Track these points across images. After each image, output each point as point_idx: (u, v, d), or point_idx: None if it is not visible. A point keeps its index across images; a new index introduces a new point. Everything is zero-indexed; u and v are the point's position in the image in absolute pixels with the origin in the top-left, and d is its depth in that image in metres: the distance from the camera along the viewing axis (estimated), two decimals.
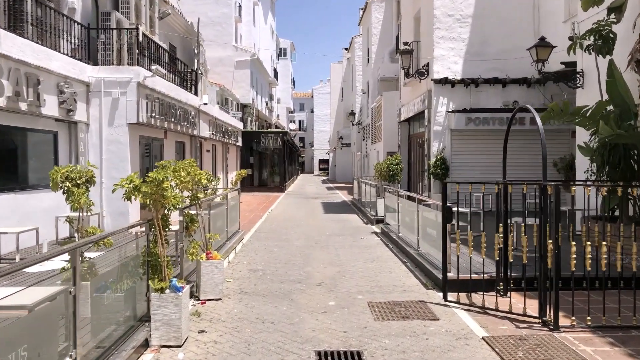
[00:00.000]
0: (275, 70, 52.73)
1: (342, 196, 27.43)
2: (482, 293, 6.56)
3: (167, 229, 5.51)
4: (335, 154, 54.64)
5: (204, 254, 6.78)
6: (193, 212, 7.00)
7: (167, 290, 5.13)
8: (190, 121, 16.31)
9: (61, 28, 11.27)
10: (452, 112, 16.05)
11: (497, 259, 6.56)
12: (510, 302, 6.04)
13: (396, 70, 28.38)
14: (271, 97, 48.65)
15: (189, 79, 18.47)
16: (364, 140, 35.82)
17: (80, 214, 5.53)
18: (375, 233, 13.12)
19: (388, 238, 11.87)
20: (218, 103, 28.83)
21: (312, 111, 78.42)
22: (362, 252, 10.32)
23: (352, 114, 39.39)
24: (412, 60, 17.39)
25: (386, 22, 31.29)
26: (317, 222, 15.70)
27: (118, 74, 11.94)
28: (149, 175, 5.00)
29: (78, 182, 5.46)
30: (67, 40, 11.48)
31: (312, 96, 77.49)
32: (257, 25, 43.85)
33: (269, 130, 38.94)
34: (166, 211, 5.41)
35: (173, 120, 14.42)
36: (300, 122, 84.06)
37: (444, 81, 16.05)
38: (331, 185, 41.02)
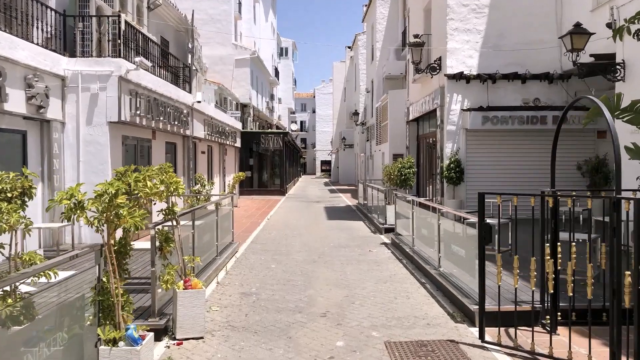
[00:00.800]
0: (276, 69, 51.44)
1: (346, 200, 26.11)
2: (530, 329, 5.24)
3: (126, 257, 4.22)
4: (337, 155, 53.31)
5: (182, 281, 5.47)
6: (176, 222, 5.70)
7: (122, 343, 3.83)
8: (182, 120, 15.01)
9: (33, 15, 9.99)
10: (467, 110, 14.72)
11: (552, 291, 5.25)
12: (570, 348, 4.71)
13: (402, 68, 27.11)
14: (272, 97, 47.38)
15: (181, 75, 17.19)
16: (368, 141, 34.50)
17: (13, 238, 4.23)
18: (385, 244, 11.80)
19: (400, 251, 10.54)
20: (217, 102, 27.58)
21: (314, 112, 77.10)
22: (373, 269, 8.99)
23: (356, 113, 38.06)
24: (422, 55, 16.06)
25: (392, 17, 30.01)
26: (320, 230, 14.38)
27: (97, 67, 10.65)
28: (96, 188, 3.70)
29: (9, 195, 4.17)
30: (39, 29, 10.20)
31: (314, 96, 76.15)
32: (257, 23, 42.63)
33: (269, 130, 37.64)
34: (127, 231, 4.12)
35: (162, 119, 13.12)
36: (302, 122, 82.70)
37: (459, 76, 14.72)
38: (334, 187, 39.70)
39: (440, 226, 7.83)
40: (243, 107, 33.31)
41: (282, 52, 63.71)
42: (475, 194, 15.37)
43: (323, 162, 73.52)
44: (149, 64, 11.87)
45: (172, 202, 5.48)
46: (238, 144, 26.40)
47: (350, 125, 46.34)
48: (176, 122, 14.42)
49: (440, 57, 15.55)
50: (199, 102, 16.05)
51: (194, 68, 19.00)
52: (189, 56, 18.09)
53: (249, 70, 33.37)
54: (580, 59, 13.22)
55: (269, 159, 31.84)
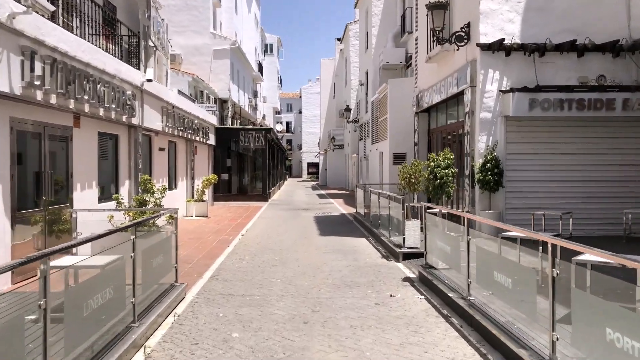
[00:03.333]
0: (260, 64, 47.54)
1: (339, 207, 22.28)
2: None
3: None
4: (326, 156, 49.49)
5: None
6: None
7: None
8: (125, 104, 11.10)
9: None
10: (509, 91, 11.04)
11: None
12: None
13: (402, 56, 23.52)
14: (255, 94, 43.46)
15: (128, 45, 13.28)
16: (361, 140, 30.80)
17: None
18: (410, 281, 7.97)
19: (441, 298, 6.72)
20: (191, 95, 23.72)
21: (300, 112, 73.50)
22: (409, 343, 5.16)
23: (347, 109, 34.36)
24: (445, 21, 12.32)
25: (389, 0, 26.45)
26: (311, 253, 10.53)
27: None
28: None
29: None
30: None
31: (301, 96, 72.46)
32: (239, 13, 38.90)
33: (249, 126, 33.67)
34: None
35: (89, 98, 9.22)
36: (287, 123, 79.02)
37: (496, 47, 11.04)
38: (323, 192, 35.84)
39: (555, 281, 4.01)
40: (222, 102, 29.52)
41: (266, 49, 60.03)
42: (519, 203, 11.73)
43: (310, 165, 69.95)
44: (51, 7, 7.93)
45: None
46: (212, 141, 22.44)
47: (340, 124, 42.67)
48: (115, 106, 10.52)
49: (469, 24, 11.85)
50: (149, 80, 12.11)
51: (151, 44, 15.10)
52: (143, 25, 14.20)
53: (229, 62, 29.66)
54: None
55: (250, 160, 27.95)
